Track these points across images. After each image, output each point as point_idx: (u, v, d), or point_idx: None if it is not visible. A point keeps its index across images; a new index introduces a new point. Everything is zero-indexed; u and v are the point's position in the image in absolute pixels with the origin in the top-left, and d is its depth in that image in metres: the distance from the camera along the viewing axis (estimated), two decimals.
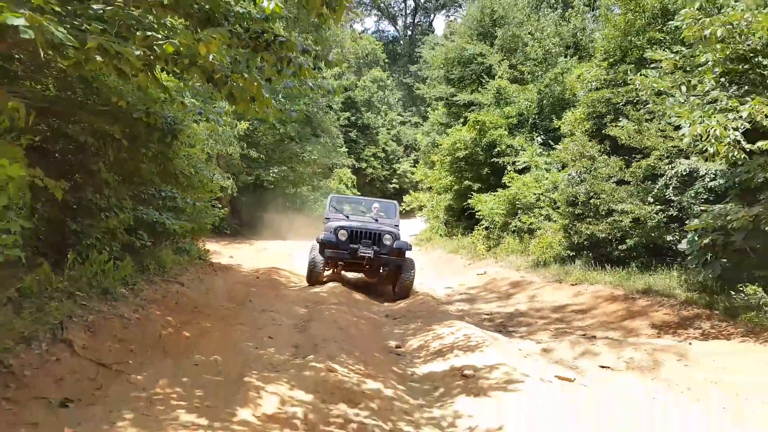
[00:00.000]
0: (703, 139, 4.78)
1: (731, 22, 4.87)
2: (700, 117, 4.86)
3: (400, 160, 35.37)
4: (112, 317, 3.77)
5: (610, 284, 7.89)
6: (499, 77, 16.73)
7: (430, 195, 20.60)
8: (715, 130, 4.78)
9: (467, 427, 3.49)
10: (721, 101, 5.08)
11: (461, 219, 16.85)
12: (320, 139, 23.84)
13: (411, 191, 25.01)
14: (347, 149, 30.23)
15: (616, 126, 8.22)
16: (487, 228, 14.15)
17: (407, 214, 24.63)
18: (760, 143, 4.64)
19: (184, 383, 3.22)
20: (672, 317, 6.43)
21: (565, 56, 16.01)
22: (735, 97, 5.02)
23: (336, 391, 3.56)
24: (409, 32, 47.85)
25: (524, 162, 13.50)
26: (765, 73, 5.10)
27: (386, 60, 39.53)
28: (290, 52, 3.87)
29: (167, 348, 3.92)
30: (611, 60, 9.44)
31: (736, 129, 4.72)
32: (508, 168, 13.66)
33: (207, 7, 3.73)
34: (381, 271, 8.74)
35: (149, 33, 3.26)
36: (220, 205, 9.43)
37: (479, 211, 14.06)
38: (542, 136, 14.88)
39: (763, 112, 4.69)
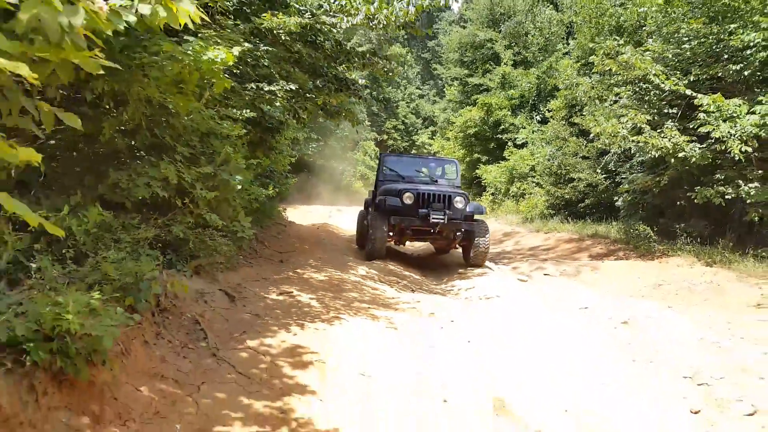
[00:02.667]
0: (602, 134, 8.21)
1: (624, 61, 8.18)
2: (604, 120, 8.25)
3: (419, 132, 38.53)
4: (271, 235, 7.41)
5: (570, 231, 11.36)
6: (504, 63, 19.86)
7: None
8: (614, 131, 8.17)
9: (466, 288, 7.03)
10: (619, 111, 8.45)
11: (472, 186, 20.27)
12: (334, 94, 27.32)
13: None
14: (369, 122, 33.53)
15: (579, 115, 11.55)
16: (492, 194, 17.56)
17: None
18: (636, 137, 8.02)
19: (320, 261, 6.84)
20: (603, 250, 9.90)
21: (564, 43, 19.04)
22: (626, 107, 8.39)
23: (389, 274, 7.13)
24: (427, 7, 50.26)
25: (522, 138, 16.79)
26: (643, 93, 8.44)
27: (405, 36, 42.31)
28: None
29: (299, 250, 7.58)
30: (581, 62, 12.64)
31: (624, 128, 8.10)
32: (509, 144, 16.99)
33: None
34: (453, 238, 8.11)
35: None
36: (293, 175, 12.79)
37: (485, 179, 17.46)
38: (540, 115, 18.11)
39: (641, 119, 8.05)
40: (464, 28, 24.81)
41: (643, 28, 9.31)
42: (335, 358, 3.44)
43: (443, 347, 3.91)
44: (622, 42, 8.81)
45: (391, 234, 8.15)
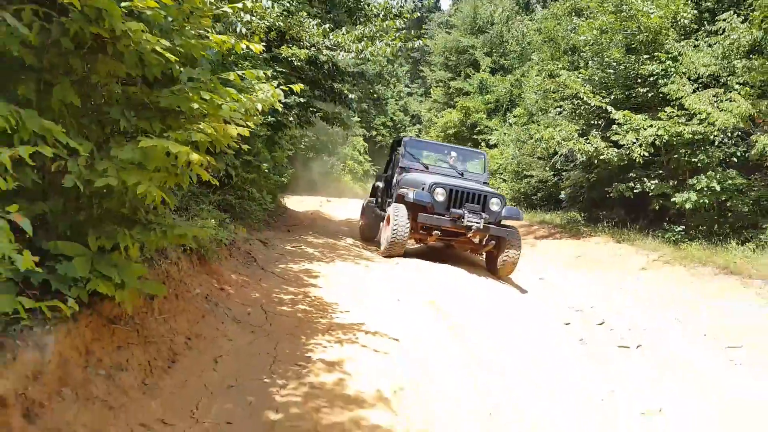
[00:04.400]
0: (542, 139, 10.66)
1: (562, 82, 10.60)
2: (543, 128, 10.69)
3: (407, 129, 40.82)
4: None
5: (526, 220, 13.79)
6: (483, 70, 22.27)
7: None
8: (550, 137, 10.59)
9: None
10: (555, 121, 10.90)
11: None
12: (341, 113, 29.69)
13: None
14: (359, 119, 35.86)
15: (532, 122, 13.98)
16: None
17: None
18: (567, 143, 10.44)
19: (317, 233, 9.19)
20: (545, 233, 12.34)
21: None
22: (562, 119, 10.84)
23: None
24: (417, 8, 52.63)
25: (495, 139, 19.20)
26: (576, 107, 10.89)
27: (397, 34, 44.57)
28: None
29: (300, 226, 9.91)
30: (543, 75, 15.05)
31: (559, 136, 10.53)
32: (482, 144, 19.40)
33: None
34: (484, 244, 7.62)
35: None
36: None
37: None
38: (512, 118, 20.54)
39: (571, 129, 10.48)
40: (449, 33, 27.15)
41: (581, 54, 11.73)
42: (332, 276, 5.80)
43: (399, 275, 6.29)
44: (560, 66, 11.23)
45: (413, 230, 7.35)
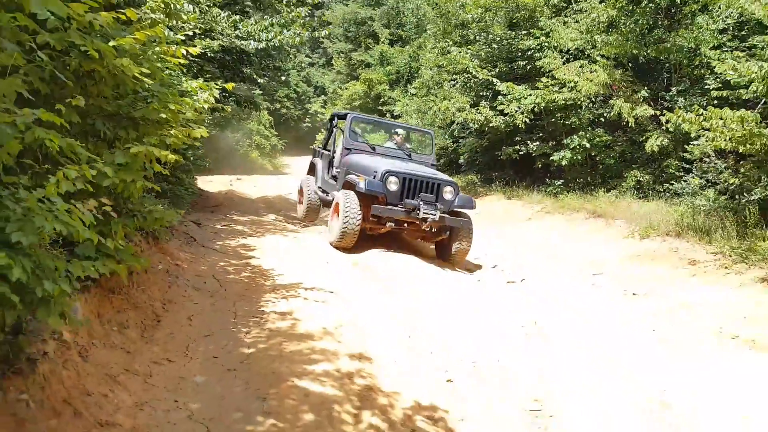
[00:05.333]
0: (439, 111, 11.92)
1: (453, 58, 11.82)
2: (440, 101, 11.92)
3: (311, 100, 41.13)
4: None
5: None
6: (382, 42, 23.24)
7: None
8: (446, 108, 11.84)
9: None
10: (450, 94, 12.18)
11: None
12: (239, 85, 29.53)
13: (323, 130, 31.26)
14: (261, 91, 35.77)
15: (431, 94, 15.21)
16: None
17: None
18: (460, 113, 11.73)
19: (239, 212, 9.91)
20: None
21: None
22: (455, 92, 12.13)
23: (292, 217, 10.36)
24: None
25: (398, 110, 20.33)
26: (467, 81, 12.22)
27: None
28: None
29: (221, 206, 10.56)
30: (436, 53, 16.27)
31: (453, 107, 11.80)
32: (387, 115, 20.50)
33: None
34: (436, 234, 7.35)
35: None
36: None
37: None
38: (413, 90, 21.76)
39: (465, 101, 11.78)
40: (347, 5, 27.79)
41: (469, 29, 13.02)
42: (266, 247, 6.69)
43: (324, 246, 7.28)
44: (451, 42, 12.45)
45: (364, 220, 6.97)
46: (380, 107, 21.29)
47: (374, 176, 6.98)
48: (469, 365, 4.28)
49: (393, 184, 6.89)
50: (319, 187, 9.02)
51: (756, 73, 6.83)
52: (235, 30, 8.12)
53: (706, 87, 8.75)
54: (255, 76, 10.61)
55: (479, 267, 7.80)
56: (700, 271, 6.72)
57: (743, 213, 7.26)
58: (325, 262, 6.46)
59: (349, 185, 7.34)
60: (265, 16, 8.93)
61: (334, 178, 8.35)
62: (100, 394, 2.73)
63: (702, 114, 6.93)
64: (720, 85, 8.04)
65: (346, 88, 23.62)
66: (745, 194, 7.23)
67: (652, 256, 7.46)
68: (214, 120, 27.16)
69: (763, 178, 7.01)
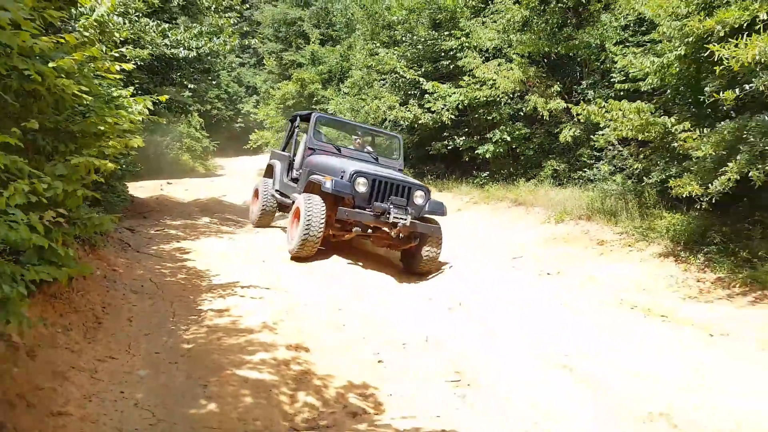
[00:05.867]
0: (371, 110, 12.36)
1: (380, 59, 12.28)
2: (372, 101, 12.36)
3: (243, 100, 40.69)
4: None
5: None
6: (313, 42, 23.46)
7: (272, 132, 27.12)
8: (377, 107, 12.29)
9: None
10: (380, 93, 12.65)
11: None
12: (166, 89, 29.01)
13: (256, 130, 31.10)
14: (191, 93, 35.16)
15: (363, 93, 15.64)
16: None
17: (255, 151, 31.01)
18: (390, 112, 12.21)
19: (172, 216, 10.00)
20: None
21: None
22: (385, 91, 12.60)
23: (227, 220, 10.52)
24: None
25: (332, 109, 20.65)
26: (395, 80, 12.74)
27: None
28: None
29: (153, 212, 10.59)
30: (365, 54, 16.71)
31: (383, 106, 12.27)
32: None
33: None
34: (406, 241, 6.98)
35: None
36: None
37: None
38: (345, 89, 22.12)
39: (395, 99, 12.26)
40: (275, 6, 27.79)
41: (395, 30, 13.53)
42: (201, 250, 6.92)
43: (259, 246, 7.56)
44: (378, 44, 12.92)
45: (328, 226, 6.60)
46: (314, 106, 21.51)
47: (341, 177, 6.54)
48: (399, 346, 4.73)
49: (362, 186, 6.48)
50: (276, 190, 8.53)
51: (649, 67, 7.63)
52: (164, 38, 8.23)
53: (612, 80, 9.57)
54: (185, 81, 10.69)
55: None
56: (607, 250, 7.47)
57: (644, 195, 8.09)
58: (260, 260, 6.76)
59: (312, 187, 6.99)
60: (194, 24, 9.07)
61: (295, 180, 8.01)
62: (50, 388, 2.98)
63: (604, 106, 7.66)
64: (624, 78, 8.83)
65: (279, 88, 23.69)
66: (644, 178, 8.04)
67: (566, 239, 8.17)
68: (143, 124, 26.59)
69: (659, 162, 7.83)
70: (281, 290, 5.54)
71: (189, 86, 10.76)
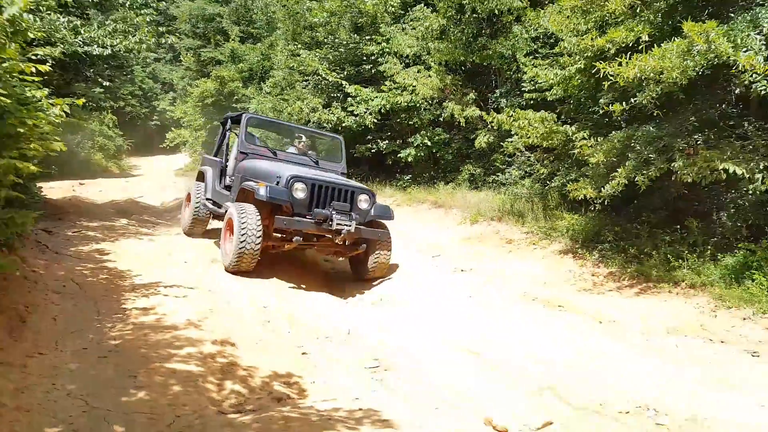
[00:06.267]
0: (293, 112, 12.59)
1: (302, 60, 12.54)
2: (294, 102, 12.60)
3: (159, 97, 39.44)
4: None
5: None
6: (232, 39, 23.23)
7: (190, 131, 26.54)
8: (300, 109, 12.53)
9: None
10: (303, 95, 12.92)
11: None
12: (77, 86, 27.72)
13: (173, 128, 30.28)
14: (103, 89, 33.71)
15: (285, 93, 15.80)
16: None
17: (172, 150, 30.23)
18: (313, 114, 12.50)
19: (88, 217, 9.81)
20: None
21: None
22: (308, 93, 12.89)
23: (146, 221, 10.41)
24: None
25: (254, 108, 20.58)
26: (318, 83, 13.07)
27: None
28: None
29: (68, 214, 10.32)
30: (286, 55, 16.85)
31: (306, 108, 12.53)
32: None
33: None
34: (355, 249, 6.83)
35: None
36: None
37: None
38: (267, 88, 22.06)
39: (318, 102, 12.55)
40: (193, 1, 27.19)
41: (317, 32, 13.82)
42: (121, 251, 6.95)
43: (181, 247, 7.64)
44: (300, 46, 13.16)
45: (265, 237, 6.34)
46: (234, 105, 21.33)
47: (277, 182, 6.22)
48: (322, 339, 5.09)
49: (300, 192, 6.19)
50: (208, 199, 8.04)
51: (554, 79, 8.38)
52: (77, 36, 8.10)
53: (523, 89, 10.34)
54: (99, 78, 10.48)
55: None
56: (515, 248, 8.15)
57: (548, 198, 8.86)
58: (183, 262, 6.88)
59: (245, 194, 6.61)
60: (108, 21, 8.96)
61: (228, 188, 7.61)
62: None
63: (512, 115, 8.33)
64: (533, 88, 9.59)
65: (197, 85, 23.25)
66: (548, 182, 8.81)
67: (479, 238, 8.81)
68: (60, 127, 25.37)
69: (561, 168, 8.61)
70: (204, 290, 5.73)
71: (103, 83, 10.55)
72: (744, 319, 5.06)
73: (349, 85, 12.36)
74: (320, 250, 7.05)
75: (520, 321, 5.48)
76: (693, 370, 4.12)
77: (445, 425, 3.37)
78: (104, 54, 8.42)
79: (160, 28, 8.95)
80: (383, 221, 6.98)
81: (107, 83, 10.87)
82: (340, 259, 7.72)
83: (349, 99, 12.31)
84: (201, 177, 8.57)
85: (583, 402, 3.63)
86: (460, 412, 3.62)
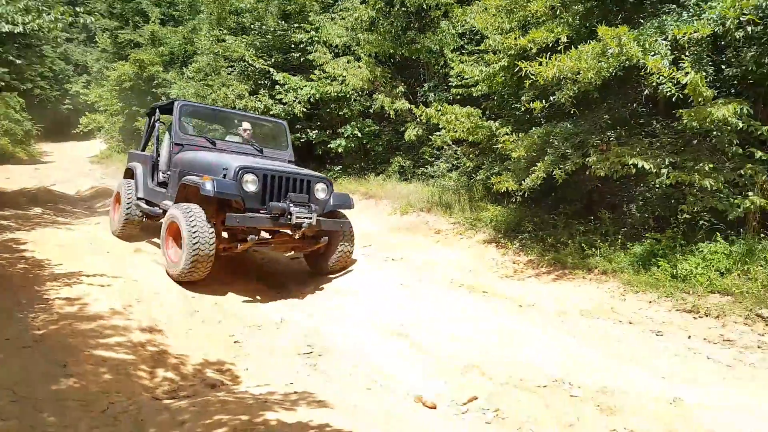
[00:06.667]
0: (218, 99, 12.35)
1: (228, 46, 12.31)
2: (219, 88, 12.36)
3: (71, 80, 37.27)
4: None
5: None
6: (152, 21, 22.32)
7: (106, 116, 25.29)
8: (225, 96, 12.31)
9: None
10: (228, 81, 12.70)
11: (132, 137, 22.59)
12: None
13: (87, 113, 28.74)
14: (6, 70, 31.47)
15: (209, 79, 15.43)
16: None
17: (87, 135, 28.71)
18: (240, 101, 12.32)
19: (1, 208, 9.26)
20: None
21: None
22: (233, 79, 12.69)
23: (70, 211, 9.93)
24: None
25: (175, 93, 19.91)
26: (244, 69, 12.89)
27: None
28: None
29: None
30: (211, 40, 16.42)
31: (232, 94, 12.33)
32: (163, 97, 19.96)
33: None
34: (317, 243, 6.32)
35: None
36: None
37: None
38: (190, 73, 21.39)
39: (244, 88, 12.36)
40: None
41: (243, 17, 13.58)
42: (38, 241, 6.65)
43: (101, 236, 7.39)
44: (225, 31, 12.91)
45: (218, 235, 5.70)
46: (154, 90, 20.57)
47: (224, 175, 5.59)
48: (254, 328, 5.15)
49: (251, 184, 5.59)
50: (140, 198, 7.33)
51: (479, 75, 8.71)
52: None
53: (450, 84, 10.64)
54: (8, 56, 9.87)
55: None
56: (443, 238, 8.45)
57: (473, 190, 9.23)
58: (105, 251, 6.68)
59: (187, 191, 5.92)
60: None
61: (163, 185, 6.98)
62: None
63: (440, 109, 8.59)
64: (459, 83, 9.89)
65: (114, 69, 22.20)
66: (473, 175, 9.18)
67: (409, 228, 9.06)
68: None
69: (486, 161, 8.98)
70: (130, 280, 5.62)
71: (16, 62, 9.95)
72: (650, 302, 5.54)
73: (277, 72, 12.26)
74: (277, 247, 6.39)
75: (448, 306, 5.73)
76: (603, 347, 4.51)
77: (378, 404, 3.54)
78: (15, 32, 7.92)
79: (76, 8, 8.47)
80: (342, 210, 6.58)
81: (18, 61, 10.20)
82: (290, 254, 7.24)
83: (277, 87, 12.21)
84: (130, 174, 7.82)
85: (505, 378, 3.91)
86: (392, 392, 3.82)
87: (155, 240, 7.39)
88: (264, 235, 6.15)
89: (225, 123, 7.94)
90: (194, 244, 5.35)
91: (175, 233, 5.71)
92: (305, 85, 12.03)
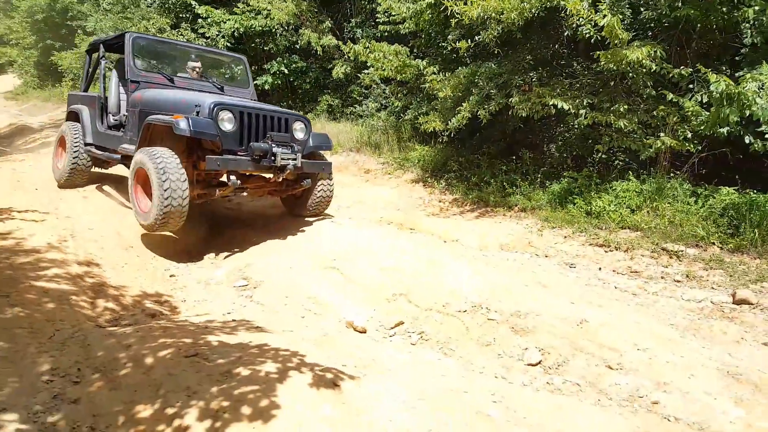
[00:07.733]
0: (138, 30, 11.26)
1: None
2: (140, 22, 11.25)
3: None
4: None
5: None
6: None
7: (19, 50, 22.94)
8: (145, 30, 11.22)
9: None
10: (148, 14, 11.58)
11: (50, 74, 20.67)
12: None
13: None
14: None
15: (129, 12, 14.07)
16: (72, 79, 18.75)
17: None
18: (164, 35, 11.30)
19: None
20: None
21: None
22: (154, 12, 11.57)
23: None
24: None
25: (92, 26, 18.16)
26: (164, 2, 11.76)
27: None
28: None
29: None
30: None
31: (155, 29, 11.26)
32: (79, 31, 18.18)
33: None
34: (297, 185, 5.75)
35: None
36: None
37: (62, 66, 18.44)
38: (107, 5, 19.52)
39: (165, 22, 11.30)
40: None
41: None
42: None
43: (26, 170, 6.71)
44: None
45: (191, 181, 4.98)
46: (69, 22, 18.68)
47: (197, 113, 4.80)
48: (190, 263, 4.93)
49: (227, 123, 4.84)
50: (89, 144, 6.39)
51: (406, 12, 8.29)
52: None
53: (378, 20, 10.12)
54: None
55: None
56: (372, 177, 8.24)
57: (402, 130, 8.98)
58: (33, 188, 6.17)
59: (152, 131, 5.10)
60: None
61: (117, 127, 6.11)
62: None
63: (368, 46, 8.16)
64: (387, 20, 9.41)
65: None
66: (401, 115, 8.90)
67: (339, 168, 8.75)
68: None
69: (414, 101, 8.71)
70: (62, 216, 5.27)
71: None
72: (565, 237, 5.61)
73: (199, 5, 11.26)
74: (253, 192, 5.73)
75: (377, 241, 5.58)
76: (520, 277, 4.55)
77: (311, 328, 3.62)
78: None
79: None
80: (322, 152, 5.94)
81: None
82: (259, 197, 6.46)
83: (200, 20, 11.25)
84: (74, 117, 6.80)
85: (429, 304, 3.98)
86: (325, 318, 3.87)
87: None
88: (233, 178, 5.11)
89: (178, 59, 6.65)
90: (166, 194, 4.54)
91: (144, 181, 4.90)
92: (228, 19, 11.14)
